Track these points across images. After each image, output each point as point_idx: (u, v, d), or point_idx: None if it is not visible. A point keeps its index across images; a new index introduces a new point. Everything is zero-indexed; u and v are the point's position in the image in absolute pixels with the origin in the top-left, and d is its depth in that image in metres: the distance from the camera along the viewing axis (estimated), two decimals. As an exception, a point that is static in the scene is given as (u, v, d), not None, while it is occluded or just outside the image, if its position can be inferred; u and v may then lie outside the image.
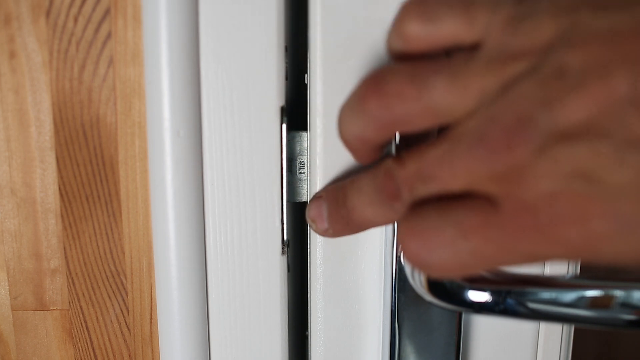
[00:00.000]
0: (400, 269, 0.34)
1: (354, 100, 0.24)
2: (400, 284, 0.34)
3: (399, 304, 0.35)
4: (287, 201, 0.36)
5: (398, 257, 0.34)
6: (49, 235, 0.38)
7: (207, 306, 0.36)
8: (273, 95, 0.34)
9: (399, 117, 0.23)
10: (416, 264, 0.23)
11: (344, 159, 0.35)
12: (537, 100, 0.20)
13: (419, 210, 0.23)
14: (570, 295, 0.25)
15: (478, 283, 0.27)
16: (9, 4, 0.35)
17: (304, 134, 0.36)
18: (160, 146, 0.34)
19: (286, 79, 0.35)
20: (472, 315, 0.37)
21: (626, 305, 0.24)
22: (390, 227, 0.34)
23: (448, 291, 0.28)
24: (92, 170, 0.37)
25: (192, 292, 0.36)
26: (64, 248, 0.38)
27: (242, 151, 0.34)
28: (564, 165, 0.19)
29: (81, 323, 0.40)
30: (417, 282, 0.29)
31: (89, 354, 0.40)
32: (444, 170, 0.22)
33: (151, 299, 0.39)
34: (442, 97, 0.22)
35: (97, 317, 0.40)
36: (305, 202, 0.36)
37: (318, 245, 0.36)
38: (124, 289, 0.39)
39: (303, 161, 0.36)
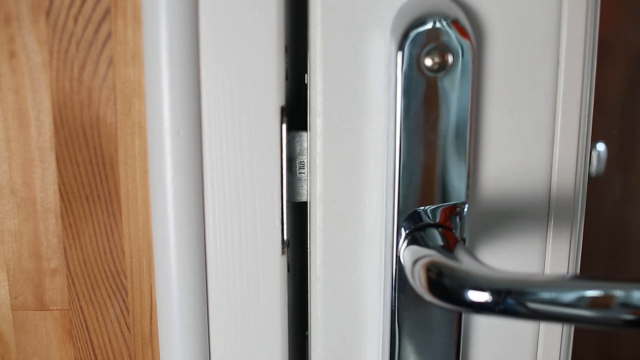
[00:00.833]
0: (400, 269, 0.34)
1: None
2: (400, 284, 0.34)
3: (399, 304, 0.35)
4: (287, 201, 0.36)
5: (398, 257, 0.34)
6: (49, 235, 0.38)
7: (207, 306, 0.36)
8: (273, 95, 0.34)
9: None
10: None
11: (344, 159, 0.35)
12: None
13: None
14: (570, 295, 0.25)
15: (478, 283, 0.27)
16: (9, 4, 0.35)
17: (304, 134, 0.36)
18: (160, 146, 0.34)
19: (286, 79, 0.35)
20: (472, 315, 0.37)
21: (626, 305, 0.24)
22: (390, 227, 0.34)
23: (448, 291, 0.28)
24: (92, 170, 0.37)
25: (192, 292, 0.36)
26: (64, 248, 0.39)
27: (242, 151, 0.34)
28: None
29: (81, 323, 0.40)
30: (417, 282, 0.29)
31: (89, 354, 0.40)
32: None
33: (151, 299, 0.39)
34: None
35: (97, 317, 0.40)
36: (305, 202, 0.36)
37: (318, 245, 0.36)
38: (124, 289, 0.39)
39: (303, 161, 0.36)
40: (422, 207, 0.33)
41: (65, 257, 0.39)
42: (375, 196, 0.35)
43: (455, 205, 0.34)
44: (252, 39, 0.33)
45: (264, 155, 0.35)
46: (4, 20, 0.35)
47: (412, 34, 0.31)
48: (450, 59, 0.31)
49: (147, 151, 0.36)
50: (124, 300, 0.39)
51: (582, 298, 0.25)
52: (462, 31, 0.31)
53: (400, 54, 0.31)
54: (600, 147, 0.39)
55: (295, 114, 0.38)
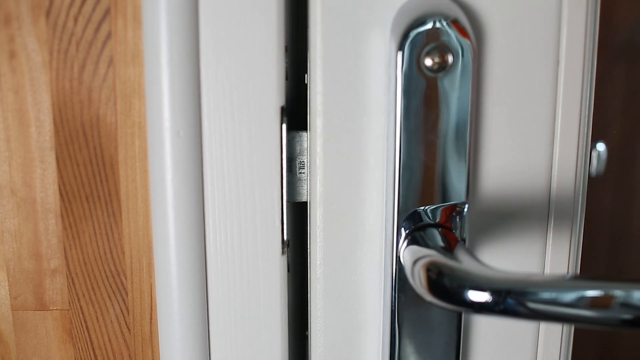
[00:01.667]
0: (400, 269, 0.34)
1: None
2: (400, 284, 0.34)
3: (399, 304, 0.35)
4: (287, 201, 0.36)
5: (398, 257, 0.34)
6: (49, 235, 0.38)
7: (207, 306, 0.36)
8: (273, 95, 0.34)
9: None
10: None
11: (344, 159, 0.35)
12: None
13: None
14: (570, 295, 0.25)
15: (478, 283, 0.27)
16: (9, 4, 0.35)
17: (304, 134, 0.36)
18: (160, 146, 0.34)
19: (286, 79, 0.35)
20: (472, 315, 0.37)
21: (626, 305, 0.24)
22: (390, 227, 0.34)
23: (448, 291, 0.27)
24: (92, 170, 0.37)
25: (192, 292, 0.36)
26: (64, 248, 0.38)
27: (242, 151, 0.34)
28: None
29: (81, 323, 0.40)
30: (417, 282, 0.29)
31: (89, 354, 0.40)
32: None
33: (151, 299, 0.39)
34: None
35: (97, 317, 0.40)
36: (305, 202, 0.36)
37: (318, 245, 0.36)
38: (124, 289, 0.39)
39: (303, 161, 0.36)
40: (422, 207, 0.33)
41: (65, 257, 0.39)
42: (375, 196, 0.35)
43: (455, 205, 0.34)
44: (252, 39, 0.33)
45: (264, 155, 0.35)
46: (4, 20, 0.35)
47: (412, 34, 0.31)
48: (450, 59, 0.31)
49: (147, 151, 0.36)
50: (124, 300, 0.39)
51: (582, 298, 0.25)
52: (462, 31, 0.31)
53: (400, 54, 0.31)
54: (600, 147, 0.39)
55: (295, 114, 0.38)
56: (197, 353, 0.37)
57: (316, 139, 0.34)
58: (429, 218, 0.33)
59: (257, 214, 0.35)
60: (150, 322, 0.40)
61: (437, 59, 0.31)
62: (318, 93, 0.34)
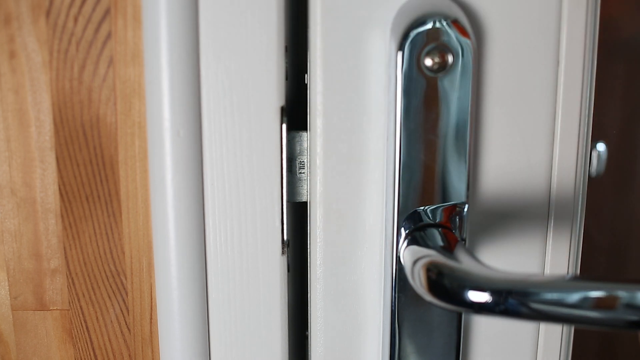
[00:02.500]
0: (400, 269, 0.34)
1: None
2: (400, 284, 0.34)
3: (399, 304, 0.35)
4: (287, 201, 0.36)
5: (398, 257, 0.34)
6: (49, 235, 0.38)
7: (207, 306, 0.36)
8: (273, 95, 0.34)
9: None
10: None
11: (344, 159, 0.35)
12: None
13: None
14: (574, 296, 0.25)
15: (478, 283, 0.27)
16: (9, 4, 0.35)
17: (304, 134, 0.36)
18: (160, 146, 0.34)
19: (286, 79, 0.35)
20: (472, 316, 0.37)
21: (631, 307, 0.24)
22: (390, 227, 0.34)
23: (448, 291, 0.27)
24: (92, 170, 0.37)
25: (192, 292, 0.36)
26: (64, 248, 0.38)
27: (242, 151, 0.34)
28: None
29: (81, 323, 0.40)
30: (417, 282, 0.29)
31: (89, 354, 0.40)
32: None
33: (151, 299, 0.39)
34: None
35: (97, 317, 0.40)
36: (305, 202, 0.36)
37: (318, 245, 0.36)
38: (124, 289, 0.39)
39: (303, 161, 0.36)
40: (422, 207, 0.33)
41: (65, 257, 0.39)
42: (375, 196, 0.35)
43: (455, 205, 0.34)
44: (252, 39, 0.33)
45: (264, 155, 0.35)
46: (4, 20, 0.35)
47: (412, 34, 0.31)
48: (450, 59, 0.31)
49: (147, 151, 0.36)
50: (124, 300, 0.39)
51: (586, 299, 0.25)
52: (462, 31, 0.31)
53: (400, 54, 0.31)
54: (600, 147, 0.39)
55: (295, 114, 0.38)
56: (197, 353, 0.37)
57: (316, 139, 0.34)
58: (429, 218, 0.33)
59: (257, 214, 0.35)
60: (150, 322, 0.40)
61: (437, 59, 0.31)
62: (318, 93, 0.34)
